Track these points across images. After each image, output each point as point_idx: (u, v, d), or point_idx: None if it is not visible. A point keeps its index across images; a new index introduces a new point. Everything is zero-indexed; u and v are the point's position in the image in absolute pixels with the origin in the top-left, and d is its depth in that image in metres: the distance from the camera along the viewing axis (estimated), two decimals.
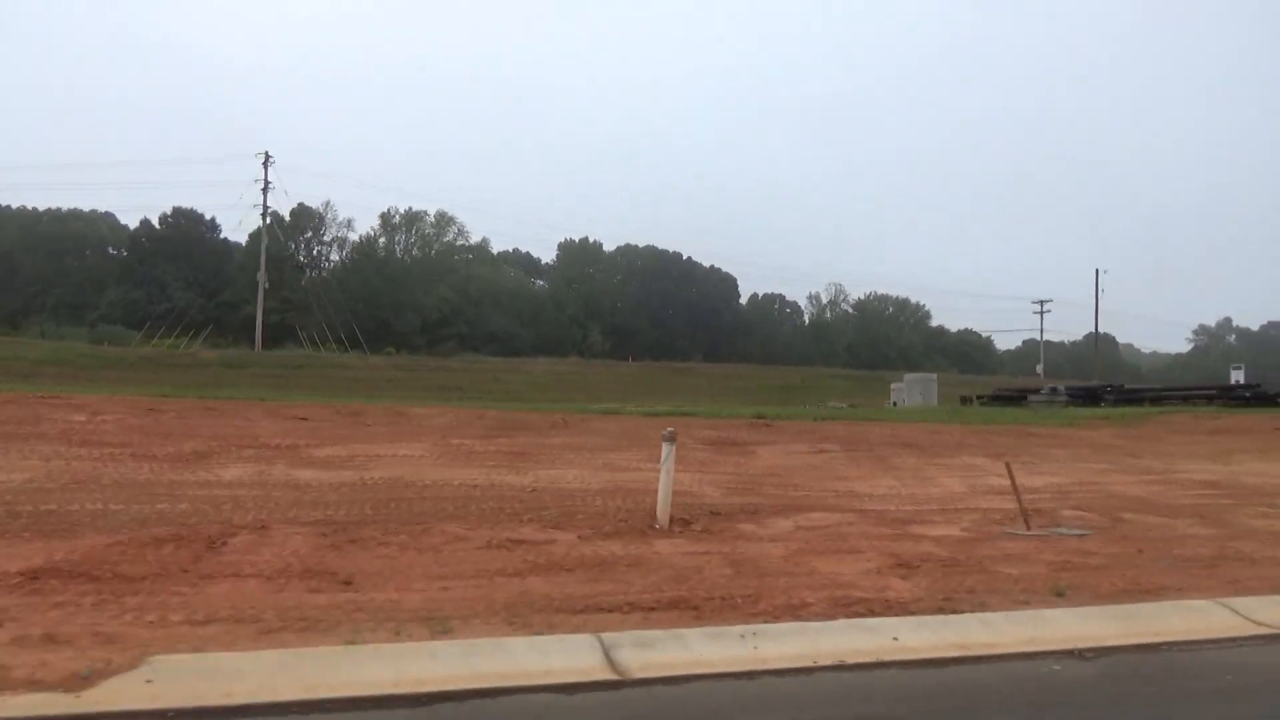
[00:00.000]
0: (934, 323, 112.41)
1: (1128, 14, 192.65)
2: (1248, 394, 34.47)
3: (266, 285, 56.22)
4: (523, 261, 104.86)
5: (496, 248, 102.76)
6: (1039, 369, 67.71)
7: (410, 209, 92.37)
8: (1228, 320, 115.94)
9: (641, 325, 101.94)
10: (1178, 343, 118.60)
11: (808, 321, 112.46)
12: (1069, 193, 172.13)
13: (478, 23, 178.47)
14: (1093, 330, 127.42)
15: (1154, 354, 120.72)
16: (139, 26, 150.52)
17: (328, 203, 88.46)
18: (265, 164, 57.24)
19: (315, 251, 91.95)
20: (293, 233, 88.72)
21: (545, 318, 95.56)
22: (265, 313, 78.77)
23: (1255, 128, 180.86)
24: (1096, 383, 44.95)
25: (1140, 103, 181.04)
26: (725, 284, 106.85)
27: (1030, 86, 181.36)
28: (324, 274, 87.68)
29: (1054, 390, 38.85)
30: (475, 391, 48.51)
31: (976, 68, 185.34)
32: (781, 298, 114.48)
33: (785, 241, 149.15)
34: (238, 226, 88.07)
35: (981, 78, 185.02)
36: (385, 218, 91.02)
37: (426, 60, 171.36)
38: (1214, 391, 36.27)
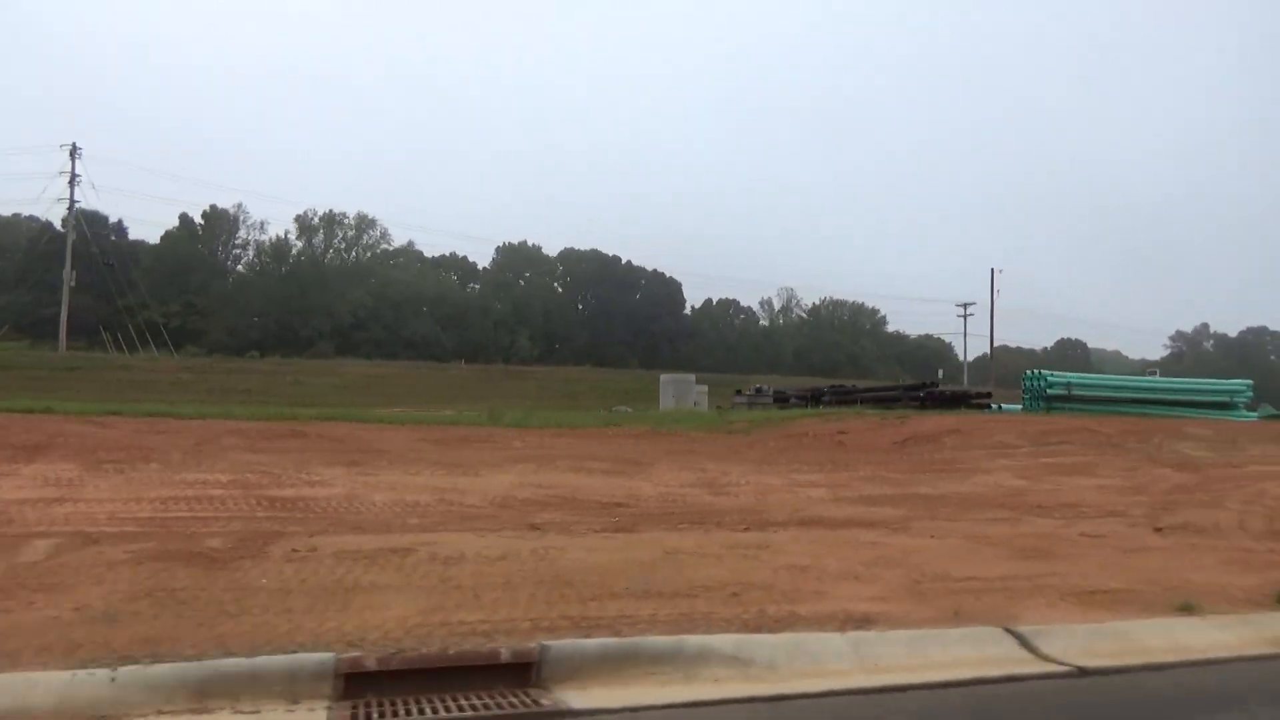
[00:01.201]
0: (893, 328, 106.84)
1: (1111, 16, 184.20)
2: (921, 394, 30.22)
3: (73, 284, 53.75)
4: (458, 266, 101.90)
5: (434, 252, 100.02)
6: (941, 374, 62.54)
7: (330, 211, 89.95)
8: (1204, 326, 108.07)
9: (576, 329, 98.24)
10: (1162, 350, 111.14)
11: (752, 329, 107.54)
12: (1053, 197, 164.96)
13: (459, 25, 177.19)
14: (1065, 337, 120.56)
15: (1141, 360, 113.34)
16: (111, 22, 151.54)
17: (239, 204, 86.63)
18: (73, 155, 55.04)
19: (234, 254, 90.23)
20: (205, 236, 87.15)
21: (470, 322, 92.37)
22: (167, 316, 77.13)
23: (1244, 131, 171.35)
24: (826, 385, 40.61)
25: (1126, 106, 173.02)
26: (668, 289, 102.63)
27: (1015, 89, 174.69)
28: (230, 278, 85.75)
29: (759, 391, 36.15)
30: (265, 395, 45.26)
31: (960, 69, 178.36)
32: (736, 303, 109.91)
33: (765, 248, 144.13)
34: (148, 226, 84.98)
35: (963, 79, 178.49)
36: (301, 220, 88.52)
37: (388, 67, 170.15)
38: (897, 392, 32.25)
